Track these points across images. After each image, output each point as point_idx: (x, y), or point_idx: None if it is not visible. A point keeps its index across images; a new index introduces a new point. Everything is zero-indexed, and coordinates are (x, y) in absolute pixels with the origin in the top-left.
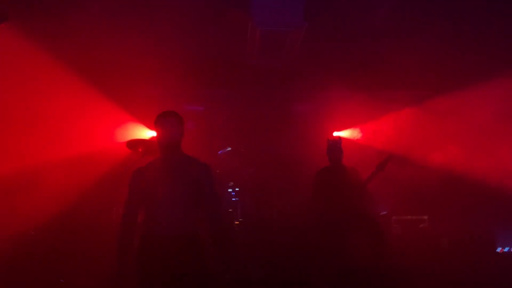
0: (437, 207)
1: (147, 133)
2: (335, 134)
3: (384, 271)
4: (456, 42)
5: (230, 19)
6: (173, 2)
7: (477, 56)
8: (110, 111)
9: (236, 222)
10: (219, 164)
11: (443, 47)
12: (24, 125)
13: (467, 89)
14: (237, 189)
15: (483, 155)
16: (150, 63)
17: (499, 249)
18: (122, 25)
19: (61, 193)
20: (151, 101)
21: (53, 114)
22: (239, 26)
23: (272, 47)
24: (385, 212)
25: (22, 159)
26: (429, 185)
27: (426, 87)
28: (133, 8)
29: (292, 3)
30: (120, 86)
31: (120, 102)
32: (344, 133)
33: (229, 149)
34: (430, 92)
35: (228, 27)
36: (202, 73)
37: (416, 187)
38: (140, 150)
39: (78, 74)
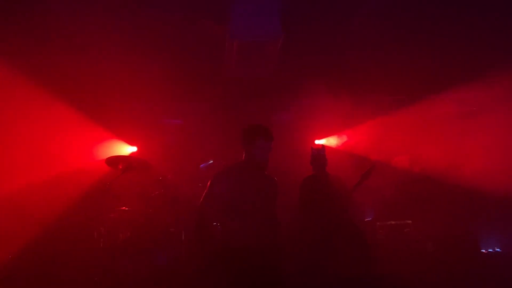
0: (420, 211)
1: (127, 149)
2: (317, 142)
3: (371, 278)
4: (427, 48)
5: (207, 32)
6: (149, 16)
7: (449, 61)
8: (88, 128)
9: None
10: (202, 178)
11: (417, 53)
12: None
13: (444, 92)
14: None
15: (460, 157)
16: (127, 77)
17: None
18: (97, 41)
19: (40, 215)
20: (129, 116)
21: (28, 135)
22: (217, 39)
23: (250, 58)
24: (369, 218)
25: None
26: (411, 189)
27: (405, 93)
28: (107, 24)
29: (269, 14)
30: (97, 102)
31: (97, 118)
32: (326, 141)
33: (211, 162)
34: (408, 97)
35: (206, 39)
36: (180, 86)
37: (399, 192)
38: (120, 167)
39: (52, 92)
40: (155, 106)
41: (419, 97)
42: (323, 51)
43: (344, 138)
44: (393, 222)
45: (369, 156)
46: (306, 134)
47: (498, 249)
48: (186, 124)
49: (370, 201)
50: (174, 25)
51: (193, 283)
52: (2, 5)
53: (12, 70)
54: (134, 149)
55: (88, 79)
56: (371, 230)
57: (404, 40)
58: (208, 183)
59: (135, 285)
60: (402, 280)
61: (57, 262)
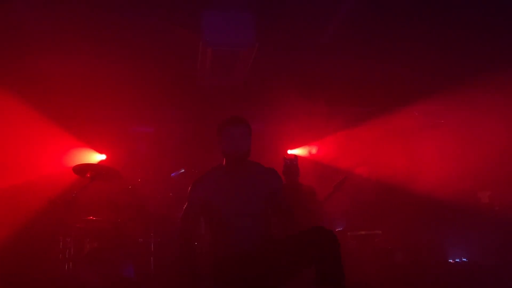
0: (389, 221)
1: (95, 157)
2: (290, 152)
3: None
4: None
5: (180, 39)
6: (121, 22)
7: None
8: (55, 135)
9: None
10: (173, 187)
11: (387, 65)
12: None
13: (411, 105)
14: None
15: (419, 166)
16: (97, 84)
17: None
18: (66, 46)
19: (3, 224)
20: (98, 123)
21: None
22: (190, 46)
23: (224, 66)
24: (340, 228)
25: None
26: (380, 199)
27: (377, 104)
28: (77, 29)
29: (243, 22)
30: (65, 108)
31: (65, 125)
32: (299, 151)
33: (183, 170)
34: (379, 108)
35: (179, 46)
36: (152, 94)
37: (369, 202)
38: (88, 175)
39: (18, 98)
40: (125, 114)
41: (384, 109)
42: (295, 61)
43: (314, 149)
44: (363, 232)
45: (336, 166)
46: (279, 144)
47: (464, 259)
48: (157, 132)
49: (342, 211)
50: (145, 31)
51: None
52: None
53: None
54: (103, 157)
55: (56, 84)
56: (342, 240)
57: (371, 56)
58: (187, 192)
59: None
60: None
61: (20, 273)
